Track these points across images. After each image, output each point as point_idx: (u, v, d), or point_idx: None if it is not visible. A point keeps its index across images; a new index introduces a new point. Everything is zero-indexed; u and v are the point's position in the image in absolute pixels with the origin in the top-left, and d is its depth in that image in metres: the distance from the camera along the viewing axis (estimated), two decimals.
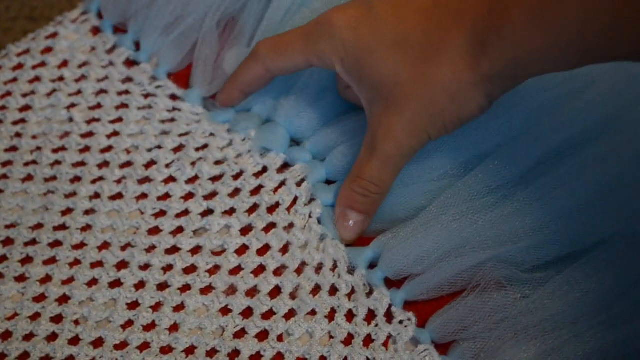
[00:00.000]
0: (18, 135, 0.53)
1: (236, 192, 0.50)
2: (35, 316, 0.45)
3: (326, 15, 0.45)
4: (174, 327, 0.45)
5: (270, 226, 0.48)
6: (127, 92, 0.54)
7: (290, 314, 0.45)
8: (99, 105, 0.54)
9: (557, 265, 0.44)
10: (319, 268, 0.47)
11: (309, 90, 0.51)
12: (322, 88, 0.51)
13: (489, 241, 0.45)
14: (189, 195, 0.50)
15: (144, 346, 0.44)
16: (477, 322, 0.43)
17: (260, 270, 0.47)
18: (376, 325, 0.45)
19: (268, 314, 0.45)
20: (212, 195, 0.50)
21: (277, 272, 0.47)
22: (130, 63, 0.55)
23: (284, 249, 0.47)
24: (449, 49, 0.42)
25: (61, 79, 0.55)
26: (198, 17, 0.54)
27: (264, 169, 0.50)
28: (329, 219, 0.48)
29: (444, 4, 0.42)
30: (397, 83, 0.43)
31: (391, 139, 0.44)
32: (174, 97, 0.54)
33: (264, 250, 0.47)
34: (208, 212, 0.49)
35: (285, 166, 0.50)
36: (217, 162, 0.51)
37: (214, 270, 0.47)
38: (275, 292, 0.46)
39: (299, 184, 0.49)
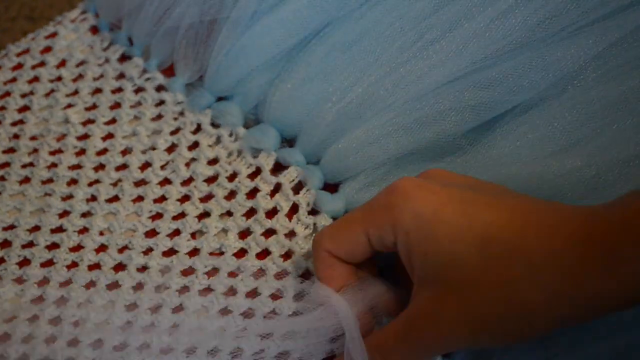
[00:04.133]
0: (16, 136, 0.53)
1: (232, 194, 0.50)
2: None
3: (396, 185, 0.40)
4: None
5: (270, 232, 0.48)
6: (120, 89, 0.54)
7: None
8: (94, 106, 0.54)
9: None
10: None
11: (293, 83, 0.51)
12: (308, 78, 0.51)
13: None
14: (185, 198, 0.50)
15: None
16: None
17: (259, 273, 0.47)
18: None
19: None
20: (208, 197, 0.50)
21: (278, 276, 0.46)
22: (125, 58, 0.56)
23: (285, 256, 0.47)
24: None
25: (59, 78, 0.55)
26: (186, 8, 0.54)
27: (257, 170, 0.50)
28: None
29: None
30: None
31: (435, 327, 0.39)
32: (159, 88, 0.54)
33: (263, 254, 0.47)
34: (205, 215, 0.49)
35: (277, 166, 0.50)
36: (210, 162, 0.51)
37: (212, 272, 0.47)
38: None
39: (295, 190, 0.49)
